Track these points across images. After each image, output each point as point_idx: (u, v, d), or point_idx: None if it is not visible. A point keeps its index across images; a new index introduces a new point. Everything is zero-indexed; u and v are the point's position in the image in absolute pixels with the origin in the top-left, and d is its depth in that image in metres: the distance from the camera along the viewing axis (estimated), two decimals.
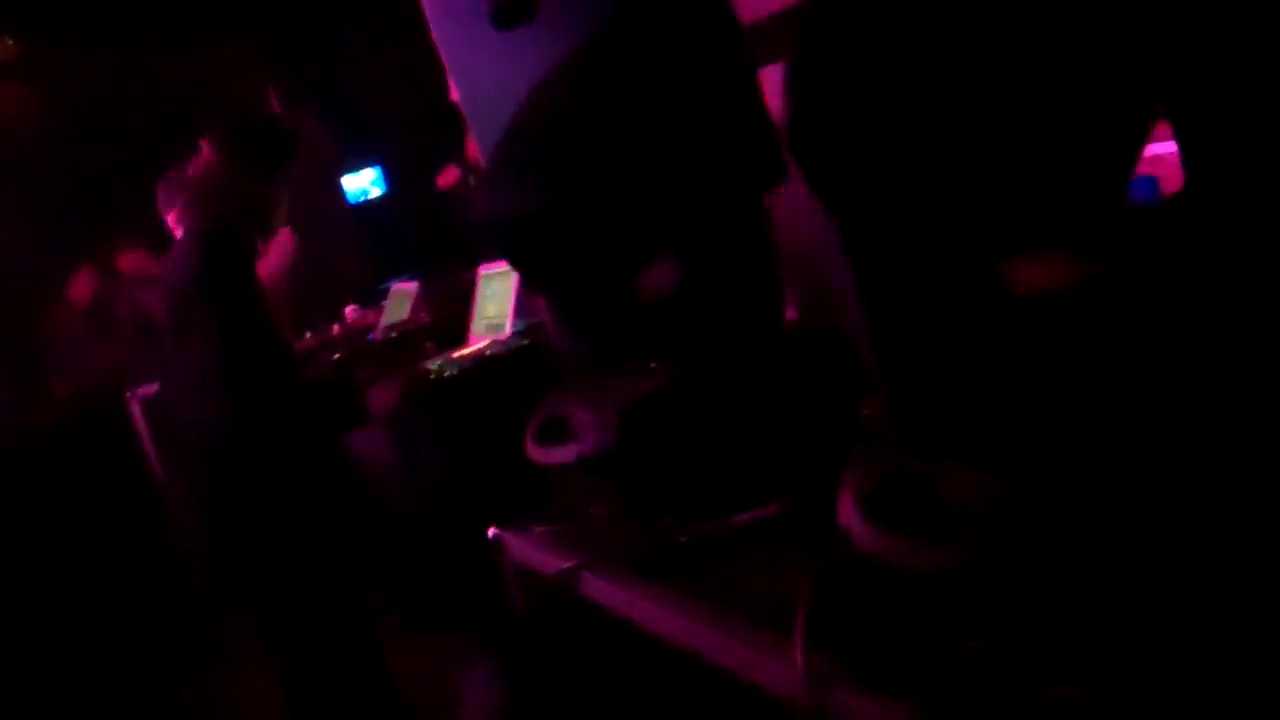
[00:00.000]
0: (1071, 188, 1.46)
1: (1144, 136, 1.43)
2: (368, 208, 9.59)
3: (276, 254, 4.03)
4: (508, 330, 4.58)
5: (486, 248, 2.18)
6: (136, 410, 6.56)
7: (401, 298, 5.55)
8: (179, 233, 4.47)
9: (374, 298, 6.57)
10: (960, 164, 1.38)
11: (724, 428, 1.95)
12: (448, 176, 7.57)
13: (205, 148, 3.65)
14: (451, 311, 5.02)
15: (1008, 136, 1.35)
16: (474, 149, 5.52)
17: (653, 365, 2.18)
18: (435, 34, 2.77)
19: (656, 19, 2.13)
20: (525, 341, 4.37)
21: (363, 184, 9.78)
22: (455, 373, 4.38)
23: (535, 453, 2.24)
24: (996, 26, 1.31)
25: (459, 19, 2.60)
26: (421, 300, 5.42)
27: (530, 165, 2.08)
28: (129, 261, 7.21)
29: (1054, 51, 1.29)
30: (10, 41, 8.67)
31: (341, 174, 9.33)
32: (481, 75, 2.62)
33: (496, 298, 4.70)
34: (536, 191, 2.02)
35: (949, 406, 1.52)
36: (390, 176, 9.92)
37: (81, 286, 7.16)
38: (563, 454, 2.14)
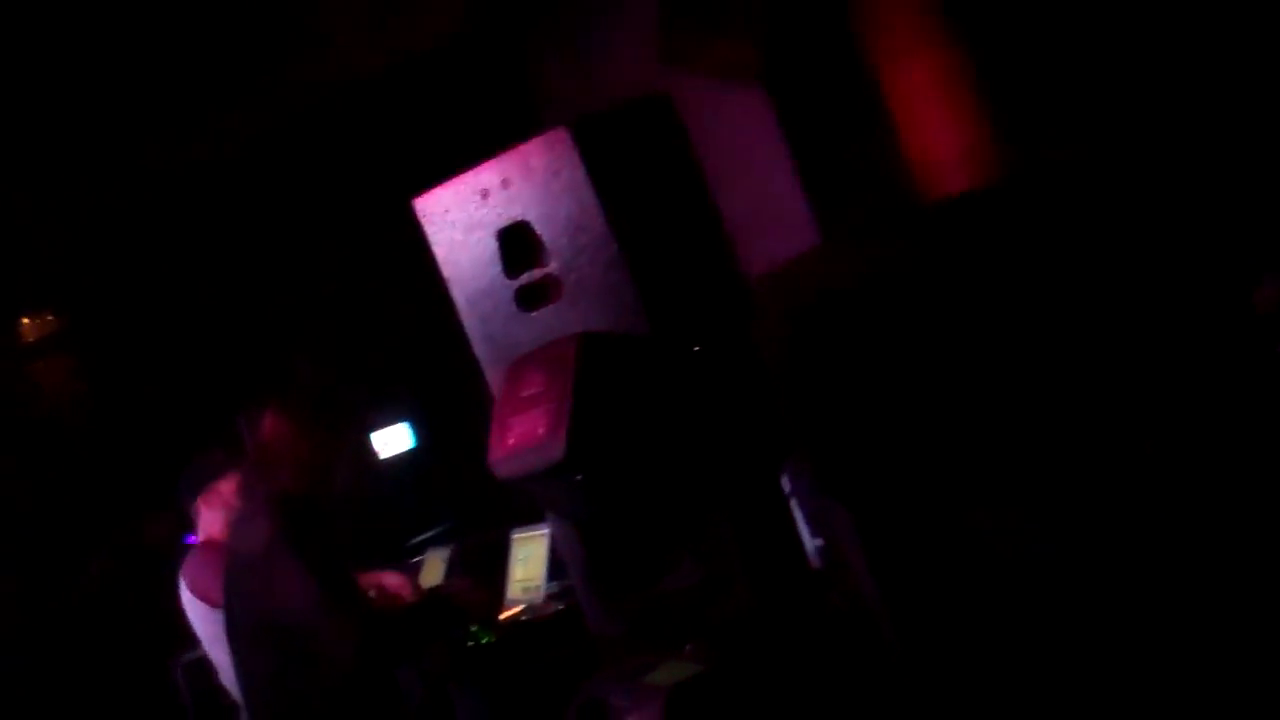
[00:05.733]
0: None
1: None
2: (397, 463, 9.62)
3: None
4: (542, 593, 4.61)
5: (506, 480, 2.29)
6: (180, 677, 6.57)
7: (436, 562, 5.59)
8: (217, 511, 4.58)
9: (406, 555, 6.59)
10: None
11: (764, 713, 1.98)
12: None
13: (269, 417, 3.79)
14: (486, 574, 5.04)
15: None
16: None
17: (688, 648, 2.21)
18: (463, 315, 2.86)
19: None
20: (560, 606, 4.39)
21: (393, 440, 9.84)
22: (493, 638, 4.39)
23: None
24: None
25: (485, 297, 2.69)
26: (456, 563, 5.47)
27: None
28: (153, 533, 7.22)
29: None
30: (50, 317, 8.93)
31: (371, 431, 9.42)
32: (508, 349, 2.70)
33: (529, 560, 4.74)
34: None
35: (972, 681, 1.56)
36: (420, 431, 9.97)
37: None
38: None
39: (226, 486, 4.67)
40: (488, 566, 5.10)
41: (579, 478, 2.19)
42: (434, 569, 5.61)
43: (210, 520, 4.69)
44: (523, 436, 2.27)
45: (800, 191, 5.19)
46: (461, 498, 7.41)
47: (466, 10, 6.39)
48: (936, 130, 5.03)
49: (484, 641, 4.43)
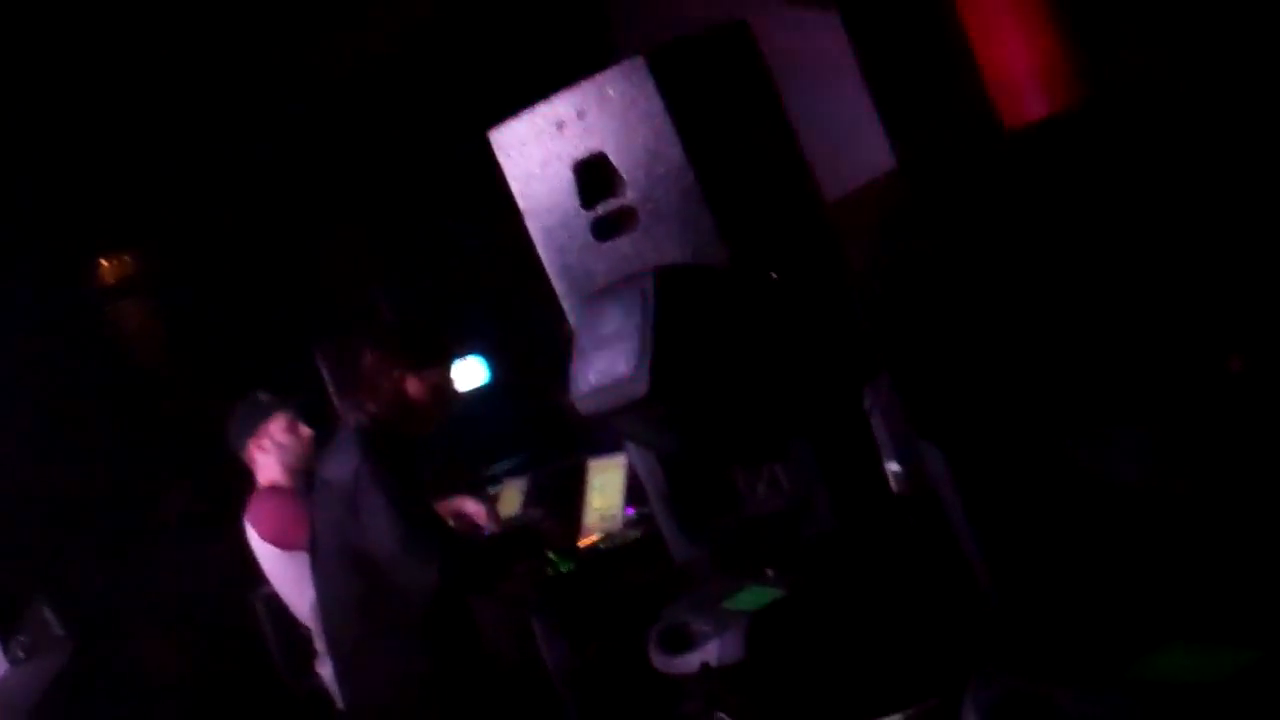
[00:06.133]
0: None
1: None
2: (472, 396, 9.64)
3: None
4: (620, 521, 4.66)
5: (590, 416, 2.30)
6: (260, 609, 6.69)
7: (513, 492, 5.66)
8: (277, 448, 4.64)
9: (481, 485, 6.66)
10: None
11: (847, 636, 2.00)
12: None
13: (367, 352, 3.84)
14: (563, 503, 5.10)
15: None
16: None
17: (769, 572, 2.23)
18: (540, 247, 2.87)
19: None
20: (638, 533, 4.43)
21: (468, 372, 9.86)
22: (572, 567, 4.45)
23: (659, 661, 2.30)
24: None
25: (561, 228, 2.69)
26: (533, 493, 5.53)
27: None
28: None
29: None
30: (127, 258, 9.02)
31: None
32: (584, 280, 2.70)
33: (606, 489, 4.79)
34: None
35: (1060, 612, 1.56)
36: (494, 362, 9.98)
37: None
38: (686, 664, 2.20)
39: (275, 427, 4.71)
40: (565, 495, 5.16)
41: (662, 411, 2.21)
42: (511, 499, 5.67)
43: (266, 465, 4.72)
44: (604, 373, 2.28)
45: (875, 114, 5.14)
46: (536, 428, 7.45)
47: None
48: (1011, 48, 4.95)
49: (562, 570, 4.48)
